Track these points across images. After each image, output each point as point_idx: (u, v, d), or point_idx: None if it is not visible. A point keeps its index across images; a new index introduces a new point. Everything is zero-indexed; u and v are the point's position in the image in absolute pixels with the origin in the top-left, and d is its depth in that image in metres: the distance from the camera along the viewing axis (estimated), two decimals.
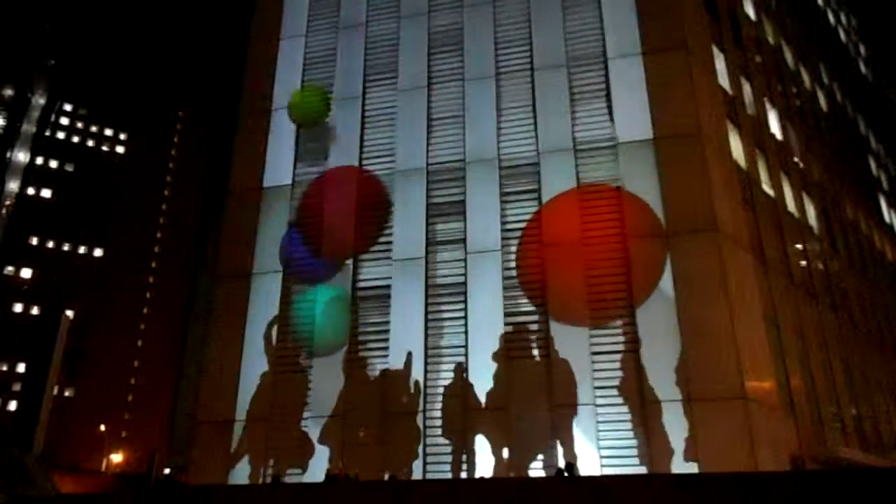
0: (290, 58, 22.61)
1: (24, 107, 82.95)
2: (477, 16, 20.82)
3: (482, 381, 16.97)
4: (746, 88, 24.00)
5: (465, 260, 18.43)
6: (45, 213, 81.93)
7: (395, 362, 17.88)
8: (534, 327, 17.43)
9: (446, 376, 17.47)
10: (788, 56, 30.46)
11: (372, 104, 21.18)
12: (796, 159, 27.10)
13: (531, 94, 19.43)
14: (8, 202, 79.86)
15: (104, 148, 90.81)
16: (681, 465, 14.88)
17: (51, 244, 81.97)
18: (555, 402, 16.33)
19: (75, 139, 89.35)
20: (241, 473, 17.91)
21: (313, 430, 17.92)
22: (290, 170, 21.13)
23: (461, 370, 17.30)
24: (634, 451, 15.50)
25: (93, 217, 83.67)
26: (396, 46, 21.55)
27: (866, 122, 42.65)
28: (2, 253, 75.84)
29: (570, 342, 16.72)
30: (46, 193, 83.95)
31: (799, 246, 24.54)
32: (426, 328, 18.04)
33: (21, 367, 70.00)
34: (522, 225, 18.33)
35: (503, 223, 18.44)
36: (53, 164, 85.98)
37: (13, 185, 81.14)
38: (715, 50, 21.53)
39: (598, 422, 15.91)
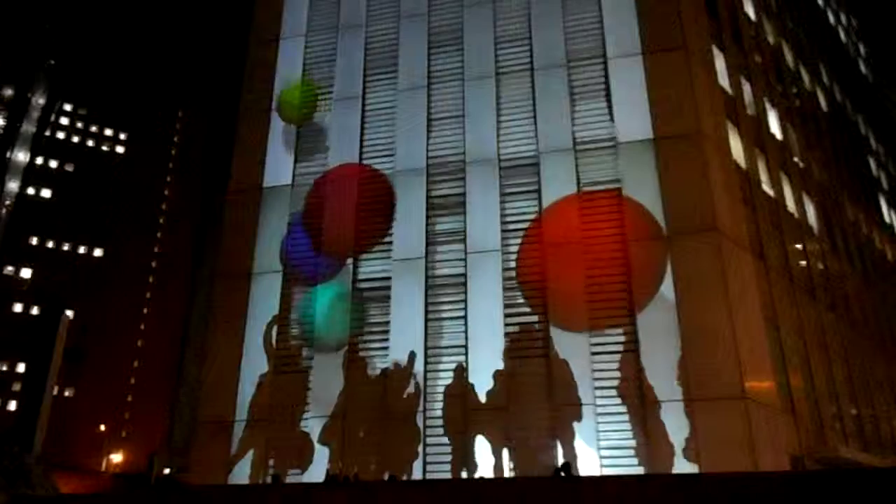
0: (290, 58, 22.62)
1: (24, 107, 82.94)
2: (477, 15, 20.82)
3: (482, 381, 16.97)
4: (746, 88, 24.00)
5: (465, 259, 18.43)
6: (45, 213, 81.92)
7: (395, 362, 17.87)
8: (534, 327, 17.42)
9: (446, 376, 17.46)
10: (788, 56, 30.45)
11: (372, 104, 21.18)
12: (796, 159, 27.09)
13: (531, 93, 19.43)
14: (8, 202, 79.86)
15: (104, 148, 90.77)
16: (681, 465, 14.87)
17: (51, 244, 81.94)
18: (555, 402, 16.33)
19: (75, 139, 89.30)
20: (241, 473, 17.90)
21: (313, 430, 17.91)
22: (290, 170, 21.13)
23: (461, 370, 17.29)
24: (634, 451, 15.49)
25: (93, 217, 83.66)
26: (396, 46, 21.55)
27: (866, 122, 42.65)
28: (2, 253, 75.83)
29: (570, 342, 16.73)
30: (46, 193, 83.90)
31: (799, 246, 24.54)
32: (426, 328, 18.04)
33: (21, 367, 70.00)
34: (522, 225, 18.33)
35: (503, 223, 18.44)
36: (53, 164, 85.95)
37: (13, 185, 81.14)
38: (715, 50, 21.52)
39: (598, 422, 15.91)
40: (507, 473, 16.04)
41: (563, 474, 13.95)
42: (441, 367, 17.68)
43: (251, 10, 24.57)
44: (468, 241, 18.55)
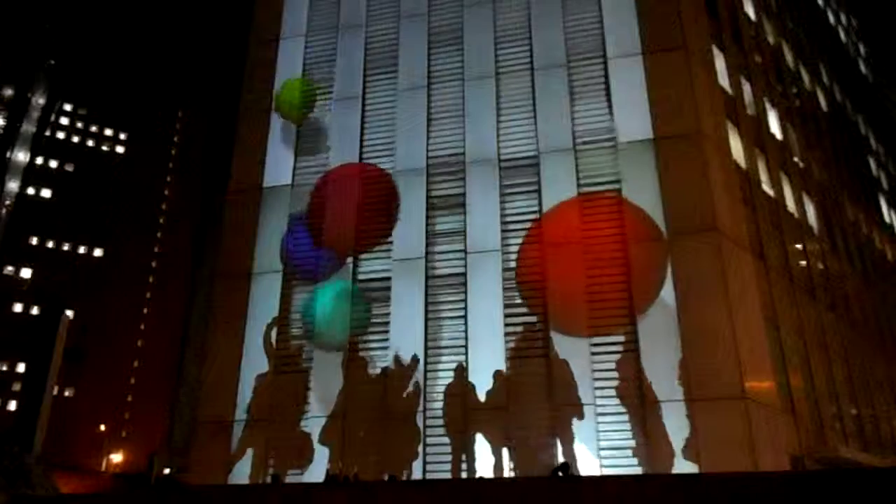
0: (290, 58, 22.62)
1: (24, 107, 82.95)
2: (477, 15, 20.82)
3: (482, 381, 16.97)
4: (746, 88, 24.00)
5: (465, 259, 18.43)
6: (45, 213, 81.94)
7: (395, 362, 17.87)
8: (534, 327, 17.42)
9: (446, 376, 17.46)
10: (788, 56, 30.46)
11: (372, 104, 21.18)
12: (796, 159, 27.10)
13: (531, 93, 19.43)
14: (8, 202, 79.87)
15: (104, 148, 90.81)
16: (681, 465, 14.87)
17: (51, 244, 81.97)
18: (555, 402, 16.32)
19: (75, 139, 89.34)
20: (240, 473, 17.90)
21: (313, 430, 17.91)
22: (290, 169, 21.13)
23: (461, 370, 17.29)
24: (634, 452, 15.47)
25: (93, 217, 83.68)
26: (396, 46, 21.55)
27: (866, 122, 42.67)
28: (2, 253, 75.84)
29: (570, 342, 16.72)
30: (46, 193, 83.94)
31: (799, 246, 24.55)
32: (426, 328, 18.03)
33: (21, 367, 70.00)
34: (522, 224, 18.32)
35: (503, 223, 18.44)
36: (53, 164, 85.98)
37: (13, 185, 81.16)
38: (715, 50, 21.53)
39: (598, 422, 15.90)
40: (506, 473, 16.03)
41: (560, 474, 13.95)
42: (441, 366, 17.68)
43: (251, 10, 24.58)
44: (468, 240, 18.55)
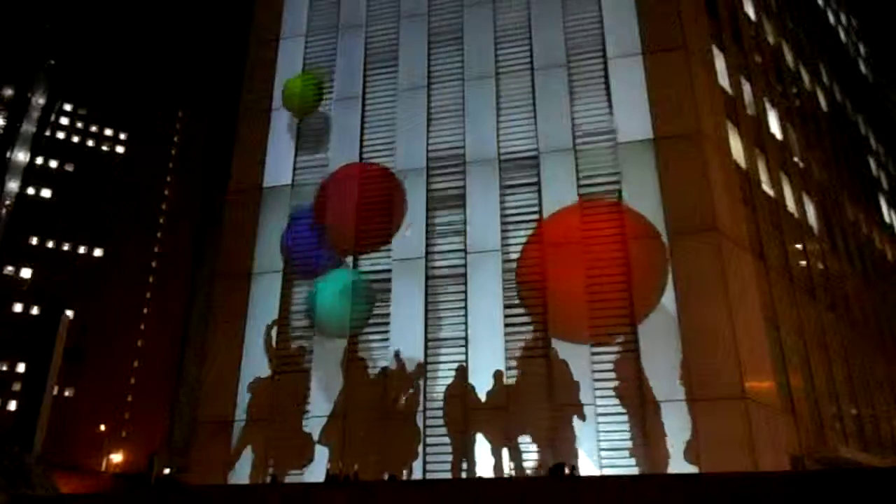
0: (290, 58, 22.62)
1: (24, 107, 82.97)
2: (477, 15, 20.81)
3: (482, 381, 16.96)
4: (746, 88, 24.00)
5: (465, 259, 18.43)
6: (45, 213, 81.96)
7: (395, 362, 17.87)
8: (534, 327, 17.41)
9: (446, 375, 17.46)
10: (788, 56, 30.47)
11: (372, 103, 21.18)
12: (796, 159, 27.11)
13: (531, 93, 19.43)
14: (8, 202, 79.88)
15: (104, 148, 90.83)
16: (681, 465, 14.86)
17: (51, 244, 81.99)
18: (555, 403, 16.32)
19: (75, 139, 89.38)
20: (241, 473, 17.90)
21: (313, 430, 17.91)
22: (290, 170, 21.13)
23: (462, 370, 17.29)
24: (634, 452, 15.47)
25: (93, 217, 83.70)
26: (396, 46, 21.55)
27: (866, 122, 42.68)
28: (2, 253, 75.84)
29: (570, 342, 16.71)
30: (46, 193, 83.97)
31: (799, 246, 24.55)
32: (426, 328, 18.03)
33: (21, 367, 70.00)
34: (523, 225, 18.32)
35: (503, 223, 18.43)
36: (53, 164, 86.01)
37: (13, 185, 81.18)
38: (715, 50, 21.53)
39: (599, 422, 15.90)
40: (506, 473, 16.03)
41: (557, 474, 13.94)
42: (441, 366, 17.68)
43: (251, 10, 24.58)
44: (468, 240, 18.55)
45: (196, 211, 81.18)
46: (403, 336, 18.05)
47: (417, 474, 16.62)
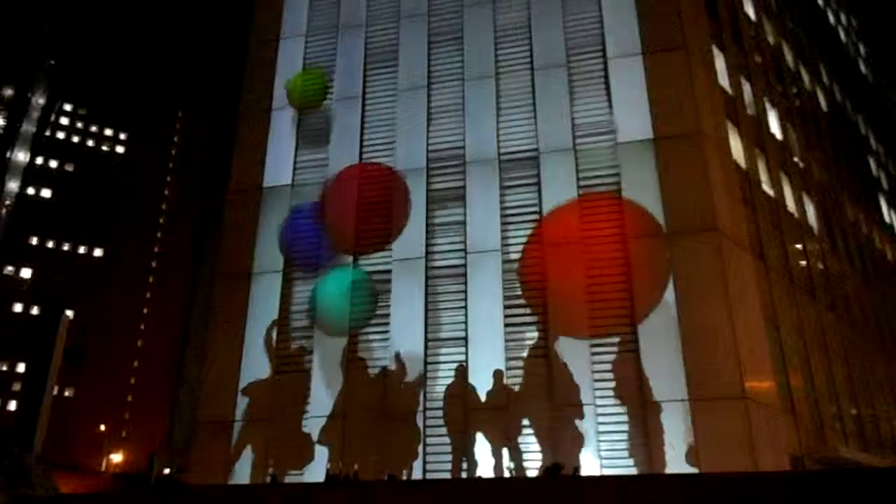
0: (290, 58, 22.62)
1: (24, 107, 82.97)
2: (477, 15, 20.82)
3: (482, 381, 16.96)
4: (746, 88, 24.00)
5: (465, 259, 18.43)
6: (45, 213, 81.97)
7: (395, 362, 17.87)
8: (534, 326, 17.42)
9: (446, 375, 17.46)
10: (788, 56, 30.46)
11: (372, 103, 21.19)
12: (796, 159, 27.10)
13: (531, 92, 19.44)
14: (8, 202, 79.89)
15: (104, 148, 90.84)
16: (681, 465, 14.86)
17: (51, 244, 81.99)
18: (555, 402, 16.32)
19: (75, 139, 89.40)
20: (241, 473, 17.90)
21: (313, 430, 17.91)
22: (290, 170, 21.13)
23: (462, 370, 17.29)
24: (634, 451, 15.48)
25: (93, 217, 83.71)
26: (396, 46, 21.55)
27: (866, 122, 42.67)
28: (2, 253, 75.84)
29: (570, 342, 16.71)
30: (46, 193, 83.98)
31: (799, 246, 24.54)
32: (426, 328, 18.03)
33: (21, 367, 70.02)
34: (522, 225, 18.32)
35: (503, 223, 18.43)
36: (53, 164, 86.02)
37: (13, 185, 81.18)
38: (715, 50, 21.52)
39: (599, 422, 15.90)
40: (506, 473, 16.03)
41: (554, 475, 13.93)
42: (441, 365, 17.68)
43: (251, 10, 24.58)
44: (468, 240, 18.56)
45: (196, 211, 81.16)
46: (403, 335, 18.05)
47: (417, 474, 16.62)
